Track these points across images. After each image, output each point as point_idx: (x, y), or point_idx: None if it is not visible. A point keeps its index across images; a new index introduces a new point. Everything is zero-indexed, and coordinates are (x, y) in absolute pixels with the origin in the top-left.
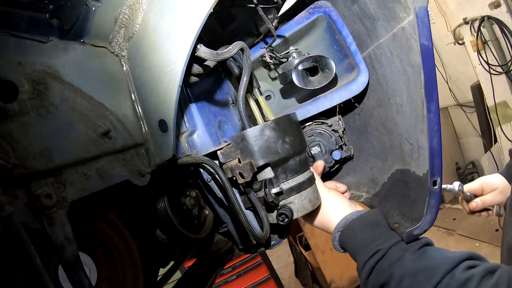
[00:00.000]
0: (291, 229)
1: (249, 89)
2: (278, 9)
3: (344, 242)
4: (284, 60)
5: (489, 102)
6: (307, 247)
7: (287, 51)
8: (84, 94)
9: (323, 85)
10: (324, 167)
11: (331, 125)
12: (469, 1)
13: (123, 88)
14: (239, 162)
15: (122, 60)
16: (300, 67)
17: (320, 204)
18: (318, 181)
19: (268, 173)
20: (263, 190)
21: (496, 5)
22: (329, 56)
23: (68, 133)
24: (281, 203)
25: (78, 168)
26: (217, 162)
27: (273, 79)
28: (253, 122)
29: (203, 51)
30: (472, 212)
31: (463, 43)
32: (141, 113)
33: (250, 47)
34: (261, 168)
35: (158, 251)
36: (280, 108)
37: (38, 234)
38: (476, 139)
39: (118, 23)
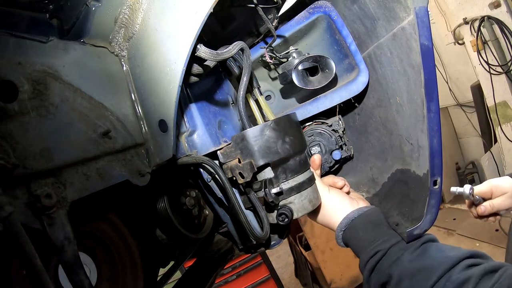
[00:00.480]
0: (291, 229)
1: (249, 89)
2: (278, 9)
3: (347, 240)
4: (284, 60)
5: (489, 102)
6: (307, 247)
7: (287, 51)
8: (84, 94)
9: (323, 85)
10: (322, 163)
11: (331, 125)
12: (469, 1)
13: (123, 88)
14: (239, 162)
15: (122, 60)
16: (300, 67)
17: (321, 203)
18: (317, 180)
19: (268, 173)
20: (263, 190)
21: (496, 5)
22: (329, 56)
23: (68, 133)
24: (281, 203)
25: (78, 168)
26: (217, 162)
27: (273, 79)
28: (253, 122)
29: (203, 51)
30: (480, 217)
31: (463, 43)
32: (141, 113)
33: (250, 47)
34: (261, 168)
35: (158, 251)
36: (280, 108)
37: (38, 234)
38: (476, 139)
39: (118, 23)
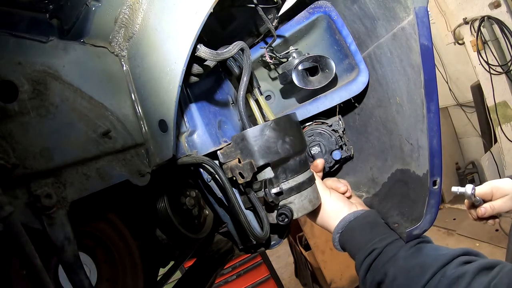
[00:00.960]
0: (291, 229)
1: (249, 89)
2: (278, 9)
3: (344, 243)
4: (284, 60)
5: (489, 102)
6: (307, 247)
7: (287, 51)
8: (84, 94)
9: (323, 85)
10: (324, 166)
11: (331, 125)
12: (469, 1)
13: (123, 88)
14: (239, 162)
15: (122, 60)
16: (300, 67)
17: (320, 204)
18: (318, 182)
19: (268, 173)
20: (263, 190)
21: (496, 5)
22: (329, 56)
23: (68, 133)
24: (281, 203)
25: (78, 168)
26: (217, 162)
27: (273, 79)
28: (253, 122)
29: (203, 51)
30: (480, 219)
31: (463, 43)
32: (141, 113)
33: (250, 47)
34: (261, 168)
35: (158, 251)
36: (280, 108)
37: (38, 234)
38: (476, 139)
39: (118, 23)
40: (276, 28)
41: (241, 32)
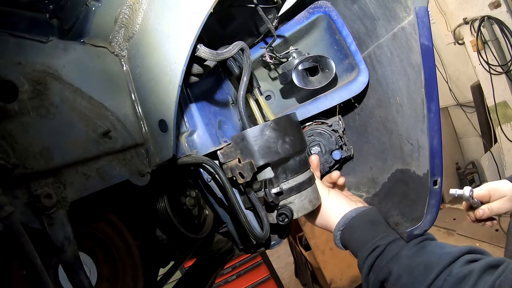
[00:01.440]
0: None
1: (249, 89)
2: (278, 9)
3: (345, 240)
4: (284, 60)
5: (489, 102)
6: (307, 247)
7: (287, 51)
8: (84, 94)
9: (323, 85)
10: (320, 163)
11: (331, 125)
12: (469, 1)
13: (123, 88)
14: (239, 162)
15: (122, 60)
16: (300, 67)
17: (320, 204)
18: (317, 181)
19: (268, 173)
20: (263, 190)
21: (496, 5)
22: (329, 56)
23: (68, 133)
24: (281, 203)
25: (78, 168)
26: (217, 162)
27: (273, 79)
28: (253, 122)
29: (203, 51)
30: (478, 221)
31: (463, 43)
32: (141, 113)
33: (250, 47)
34: (261, 168)
35: (158, 251)
36: (280, 108)
37: (38, 234)
38: (476, 139)
39: (118, 23)
40: (276, 28)
41: (241, 32)
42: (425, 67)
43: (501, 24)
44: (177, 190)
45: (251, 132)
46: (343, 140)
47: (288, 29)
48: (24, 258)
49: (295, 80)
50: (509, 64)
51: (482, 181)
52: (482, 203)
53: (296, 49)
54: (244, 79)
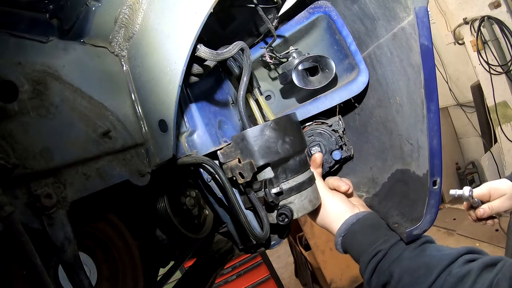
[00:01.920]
0: (291, 229)
1: (249, 89)
2: (278, 9)
3: (346, 246)
4: (284, 60)
5: (489, 102)
6: (307, 247)
7: (287, 51)
8: (84, 94)
9: (323, 85)
10: (323, 162)
11: (331, 125)
12: (469, 1)
13: (123, 88)
14: (239, 162)
15: (122, 60)
16: (300, 67)
17: (321, 204)
18: (320, 183)
19: (268, 173)
20: (263, 190)
21: (496, 5)
22: (329, 56)
23: (68, 133)
24: (281, 203)
25: (78, 168)
26: (217, 162)
27: (273, 79)
28: (253, 122)
29: (203, 51)
30: (479, 220)
31: (463, 43)
32: (141, 113)
33: (250, 47)
34: (261, 168)
35: (158, 251)
36: (280, 108)
37: (38, 234)
38: (476, 139)
39: (118, 23)
40: (276, 28)
41: (241, 32)
42: (425, 67)
43: (501, 24)
44: (177, 190)
45: (251, 132)
46: (343, 140)
47: (288, 29)
48: (24, 258)
49: (295, 80)
50: (509, 64)
51: (482, 181)
52: (483, 202)
53: (296, 49)
54: (244, 79)
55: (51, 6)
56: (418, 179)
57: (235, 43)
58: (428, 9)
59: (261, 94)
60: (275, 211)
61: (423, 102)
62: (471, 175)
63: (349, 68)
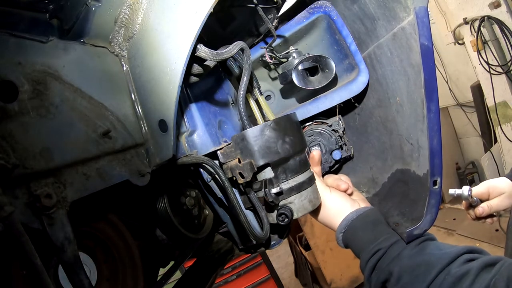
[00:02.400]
0: (291, 229)
1: (249, 89)
2: (278, 9)
3: (347, 241)
4: (284, 60)
5: (489, 102)
6: (307, 247)
7: (287, 51)
8: (84, 94)
9: (323, 85)
10: (322, 161)
11: (331, 125)
12: (469, 1)
13: (123, 88)
14: (239, 162)
15: (122, 60)
16: (300, 67)
17: (321, 203)
18: (318, 180)
19: (268, 173)
20: (263, 190)
21: (496, 5)
22: (329, 56)
23: (68, 133)
24: (281, 203)
25: (78, 168)
26: (217, 162)
27: (273, 79)
28: (253, 122)
29: (203, 51)
30: (478, 219)
31: (463, 43)
32: (141, 113)
33: (250, 47)
34: (261, 168)
35: (158, 251)
36: (280, 108)
37: (38, 234)
38: (476, 139)
39: (118, 23)
40: (276, 28)
41: (241, 32)
42: (425, 67)
43: (501, 24)
44: (177, 190)
45: (251, 132)
46: (343, 140)
47: (288, 29)
48: (24, 258)
49: (295, 80)
50: (509, 64)
51: (482, 181)
52: (482, 201)
53: (296, 49)
54: (244, 79)
55: (51, 6)
56: (418, 179)
57: (235, 43)
58: (428, 9)
59: (261, 94)
60: (275, 211)
61: (423, 102)
62: (471, 175)
63: (349, 68)
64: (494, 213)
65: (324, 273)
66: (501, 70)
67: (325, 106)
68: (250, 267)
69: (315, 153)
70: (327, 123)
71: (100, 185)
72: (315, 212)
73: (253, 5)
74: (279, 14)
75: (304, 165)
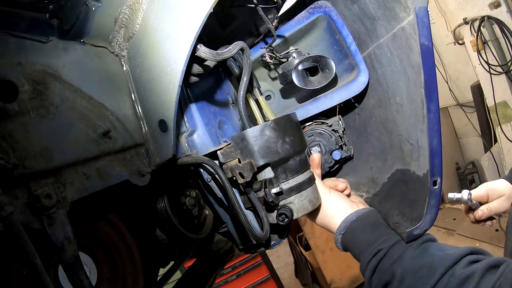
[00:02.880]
0: (291, 229)
1: (249, 89)
2: (278, 9)
3: (347, 244)
4: (284, 60)
5: (489, 102)
6: (307, 247)
7: (287, 51)
8: (84, 94)
9: (323, 85)
10: (322, 162)
11: (331, 125)
12: (469, 1)
13: (123, 88)
14: (239, 162)
15: (122, 60)
16: (300, 67)
17: (321, 204)
18: (318, 181)
19: (268, 173)
20: (263, 190)
21: (496, 5)
22: (329, 56)
23: (68, 133)
24: (281, 203)
25: (78, 168)
26: (217, 162)
27: (273, 79)
28: (253, 122)
29: (203, 51)
30: (478, 221)
31: (463, 43)
32: (141, 113)
33: (250, 47)
34: (261, 168)
35: (158, 251)
36: (280, 108)
37: (38, 234)
38: (476, 139)
39: (118, 23)
40: (276, 28)
41: (241, 32)
42: (425, 67)
43: (501, 24)
44: (177, 190)
45: (251, 132)
46: (343, 140)
47: (288, 29)
48: (24, 258)
49: (295, 80)
50: (509, 64)
51: (482, 181)
52: (481, 204)
53: (296, 49)
54: (244, 79)
55: (51, 6)
56: (418, 179)
57: (235, 43)
58: (428, 9)
59: (261, 94)
60: (275, 211)
61: (423, 102)
62: (471, 175)
63: (349, 68)
64: (493, 216)
65: (324, 273)
66: (501, 70)
67: (325, 106)
68: (250, 267)
69: (315, 156)
70: (327, 123)
71: (100, 185)
72: (314, 214)
73: (253, 5)
74: (279, 14)
75: (304, 165)
